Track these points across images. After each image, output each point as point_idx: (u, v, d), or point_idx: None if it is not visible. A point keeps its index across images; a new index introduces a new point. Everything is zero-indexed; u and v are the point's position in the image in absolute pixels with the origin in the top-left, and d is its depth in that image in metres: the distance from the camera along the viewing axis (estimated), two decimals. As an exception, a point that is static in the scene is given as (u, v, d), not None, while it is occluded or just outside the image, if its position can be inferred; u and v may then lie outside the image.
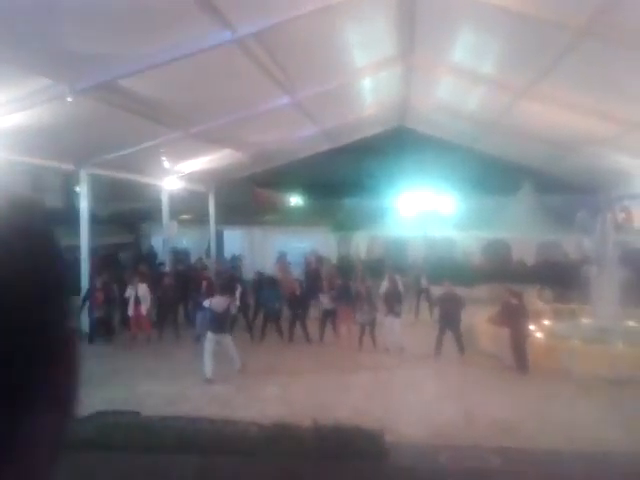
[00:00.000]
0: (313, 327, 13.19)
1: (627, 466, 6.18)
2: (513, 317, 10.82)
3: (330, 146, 21.73)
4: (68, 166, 14.21)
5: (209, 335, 10.61)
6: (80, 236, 14.73)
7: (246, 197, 25.47)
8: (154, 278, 14.37)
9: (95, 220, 19.03)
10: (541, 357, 10.61)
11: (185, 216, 24.50)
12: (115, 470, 5.28)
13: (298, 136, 18.38)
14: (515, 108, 13.64)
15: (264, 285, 13.93)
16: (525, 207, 22.48)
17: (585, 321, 12.68)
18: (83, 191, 14.70)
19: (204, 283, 13.50)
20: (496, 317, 11.45)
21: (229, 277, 15.61)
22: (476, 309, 13.68)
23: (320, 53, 11.24)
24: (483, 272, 20.24)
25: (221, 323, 10.75)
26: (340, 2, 8.98)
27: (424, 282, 15.64)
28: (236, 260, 21.43)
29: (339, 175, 26.04)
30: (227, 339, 10.78)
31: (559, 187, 21.10)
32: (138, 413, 6.59)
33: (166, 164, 15.92)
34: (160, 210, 19.61)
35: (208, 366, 10.28)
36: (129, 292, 13.44)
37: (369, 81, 14.80)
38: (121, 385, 9.93)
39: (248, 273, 18.22)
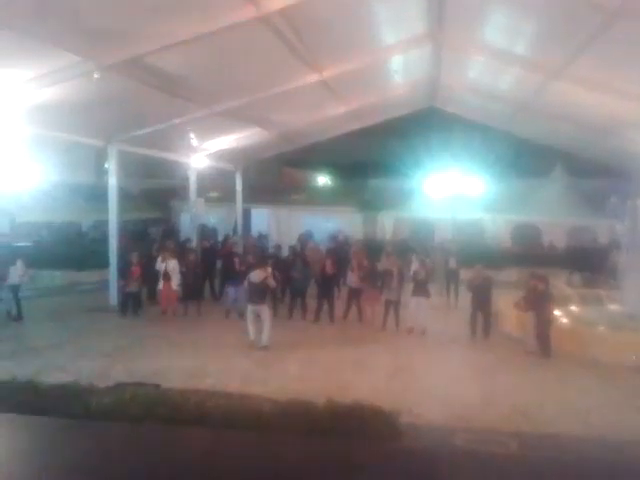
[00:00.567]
0: (338, 306, 13.21)
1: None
2: (538, 302, 10.68)
3: (358, 126, 21.54)
4: (98, 142, 14.45)
5: (249, 307, 11.32)
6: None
7: (273, 176, 25.53)
8: (180, 254, 14.54)
9: (126, 196, 19.39)
10: (566, 343, 10.48)
11: (213, 194, 24.71)
12: (132, 441, 5.41)
13: (326, 116, 18.26)
14: (547, 89, 13.29)
15: (294, 262, 13.97)
16: (556, 190, 22.08)
17: (612, 307, 12.46)
18: (112, 167, 14.92)
19: (236, 260, 13.61)
20: (521, 302, 11.31)
21: (258, 249, 15.93)
22: (503, 293, 13.56)
23: (347, 30, 11.07)
24: (512, 255, 20.01)
25: (259, 295, 11.25)
26: (367, -22, 8.83)
27: (452, 264, 15.53)
28: (262, 238, 21.57)
29: (366, 155, 25.90)
30: (265, 311, 11.27)
31: (591, 171, 20.63)
32: (158, 385, 6.73)
33: (194, 142, 16.02)
34: (188, 188, 19.80)
35: (251, 332, 11.15)
36: (159, 266, 13.64)
37: (398, 60, 14.57)
38: (145, 358, 10.14)
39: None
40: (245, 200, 23.22)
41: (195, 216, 19.63)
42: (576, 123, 15.48)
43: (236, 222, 23.35)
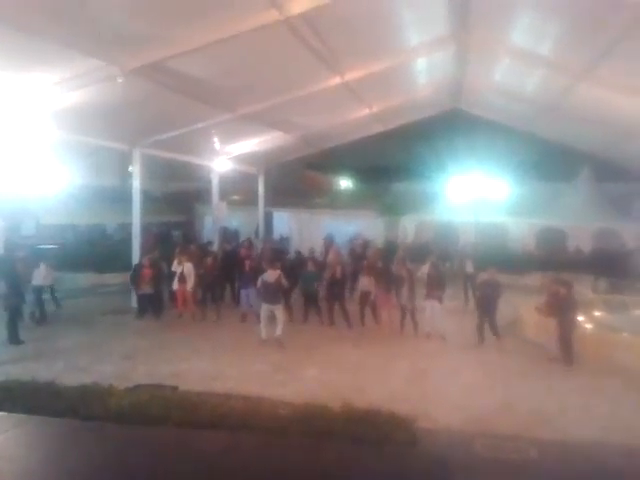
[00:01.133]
0: (355, 310, 13.14)
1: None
2: (561, 307, 10.48)
3: (381, 129, 21.49)
4: (122, 146, 14.64)
5: (263, 306, 11.72)
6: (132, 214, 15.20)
7: (295, 179, 25.55)
8: (199, 257, 14.62)
9: (150, 199, 19.60)
10: (589, 349, 10.26)
11: (235, 197, 24.85)
12: (149, 443, 5.45)
13: (348, 119, 18.24)
14: (574, 91, 13.10)
15: (303, 266, 13.92)
16: (583, 194, 21.69)
17: (637, 313, 12.18)
18: (136, 170, 15.10)
19: (247, 262, 13.65)
20: (543, 307, 11.11)
21: (277, 251, 16.05)
22: (526, 297, 13.35)
23: (370, 33, 11.03)
24: (536, 260, 19.72)
25: (273, 294, 11.61)
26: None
27: (469, 268, 15.32)
28: (284, 241, 21.59)
29: (389, 158, 25.78)
30: (278, 310, 11.62)
31: (617, 174, 20.22)
32: (176, 388, 6.76)
33: (216, 145, 16.12)
34: (211, 191, 19.93)
35: (262, 330, 11.53)
36: (175, 269, 13.74)
37: (422, 62, 14.48)
38: (164, 360, 10.20)
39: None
40: (267, 203, 23.31)
41: (217, 219, 19.75)
42: (602, 125, 15.22)
43: (258, 225, 23.44)
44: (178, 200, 26.74)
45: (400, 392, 8.51)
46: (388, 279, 12.68)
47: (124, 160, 19.67)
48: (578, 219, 20.39)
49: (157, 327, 13.07)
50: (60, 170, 12.55)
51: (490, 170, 20.19)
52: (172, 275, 13.95)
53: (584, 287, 14.65)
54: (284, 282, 11.81)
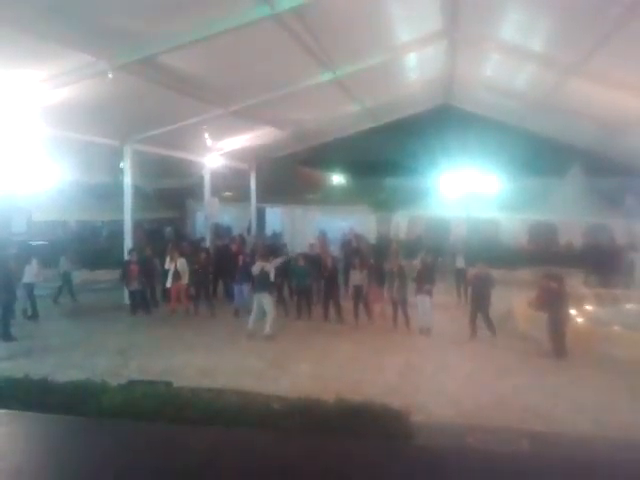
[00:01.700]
0: (347, 305, 13.16)
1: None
2: (552, 301, 10.55)
3: (372, 124, 21.52)
4: (113, 142, 14.56)
5: (254, 296, 12.06)
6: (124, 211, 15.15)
7: (288, 175, 25.52)
8: (192, 253, 14.61)
9: (141, 196, 19.51)
10: (580, 342, 10.34)
11: (227, 193, 24.79)
12: (143, 439, 5.44)
13: (340, 114, 18.25)
14: (564, 86, 13.17)
15: (295, 262, 13.93)
16: (573, 189, 21.79)
17: (628, 307, 12.30)
18: (127, 167, 15.04)
19: (241, 258, 13.64)
20: (534, 301, 11.18)
21: (268, 246, 16.29)
22: (519, 292, 13.42)
23: (361, 28, 11.05)
24: (528, 255, 19.82)
25: (260, 283, 11.92)
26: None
27: (460, 262, 15.38)
28: (276, 237, 21.58)
29: (381, 154, 25.78)
30: (266, 298, 11.80)
31: (608, 169, 20.31)
32: (170, 383, 6.76)
33: (208, 141, 16.09)
34: (203, 187, 19.88)
35: (250, 320, 11.74)
36: (168, 266, 13.71)
37: (413, 57, 14.50)
38: (157, 356, 10.20)
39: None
40: (259, 199, 23.28)
41: (209, 215, 19.71)
42: (593, 121, 15.32)
43: (250, 221, 23.41)
44: (169, 196, 26.63)
45: (393, 386, 8.55)
46: (381, 274, 12.71)
47: (115, 156, 19.59)
48: (569, 214, 20.50)
49: (150, 323, 13.06)
50: (51, 167, 12.50)
51: (481, 165, 20.28)
52: (165, 272, 13.91)
53: (575, 281, 14.74)
54: (267, 268, 11.93)
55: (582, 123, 16.24)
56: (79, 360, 9.90)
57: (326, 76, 13.22)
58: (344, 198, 25.68)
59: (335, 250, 16.79)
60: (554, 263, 16.62)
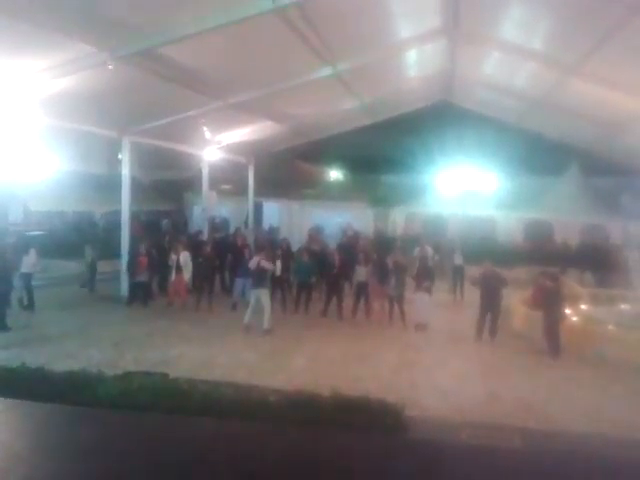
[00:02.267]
0: (347, 301, 13.18)
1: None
2: (547, 300, 10.60)
3: (371, 121, 21.49)
4: (111, 133, 14.51)
5: (251, 291, 12.06)
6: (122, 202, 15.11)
7: (286, 170, 25.51)
8: (194, 246, 14.61)
9: (139, 187, 19.46)
10: (575, 341, 10.39)
11: (225, 187, 24.77)
12: (139, 430, 5.48)
13: (339, 110, 18.23)
14: (563, 85, 13.18)
15: (299, 257, 13.95)
16: (570, 188, 21.87)
17: (623, 307, 12.35)
18: (125, 158, 14.99)
19: (246, 251, 13.65)
20: (530, 299, 11.23)
21: (267, 240, 16.35)
22: (514, 290, 13.45)
23: (362, 24, 11.04)
24: (524, 253, 19.87)
25: (257, 279, 11.85)
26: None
27: (457, 259, 15.42)
28: (273, 231, 21.58)
29: (379, 150, 25.78)
30: (263, 294, 11.76)
31: (605, 168, 20.36)
32: (166, 375, 6.79)
33: (207, 134, 16.07)
34: (201, 180, 19.85)
35: (247, 315, 11.70)
36: (172, 259, 13.69)
37: (413, 54, 14.49)
38: (154, 348, 10.22)
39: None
40: (257, 193, 23.23)
41: (206, 208, 19.69)
42: (591, 120, 15.33)
43: (247, 215, 23.39)
44: (167, 189, 26.62)
45: (389, 381, 8.60)
46: (384, 270, 12.71)
47: (113, 147, 19.55)
48: (566, 213, 20.57)
49: (147, 315, 13.07)
50: (48, 157, 12.47)
51: (479, 163, 20.33)
52: (165, 264, 13.89)
53: (571, 280, 14.80)
54: (266, 264, 11.86)
55: (580, 122, 16.26)
56: (75, 350, 9.89)
57: (326, 71, 13.20)
58: (342, 194, 25.70)
59: (332, 245, 16.80)
60: (549, 261, 16.68)
